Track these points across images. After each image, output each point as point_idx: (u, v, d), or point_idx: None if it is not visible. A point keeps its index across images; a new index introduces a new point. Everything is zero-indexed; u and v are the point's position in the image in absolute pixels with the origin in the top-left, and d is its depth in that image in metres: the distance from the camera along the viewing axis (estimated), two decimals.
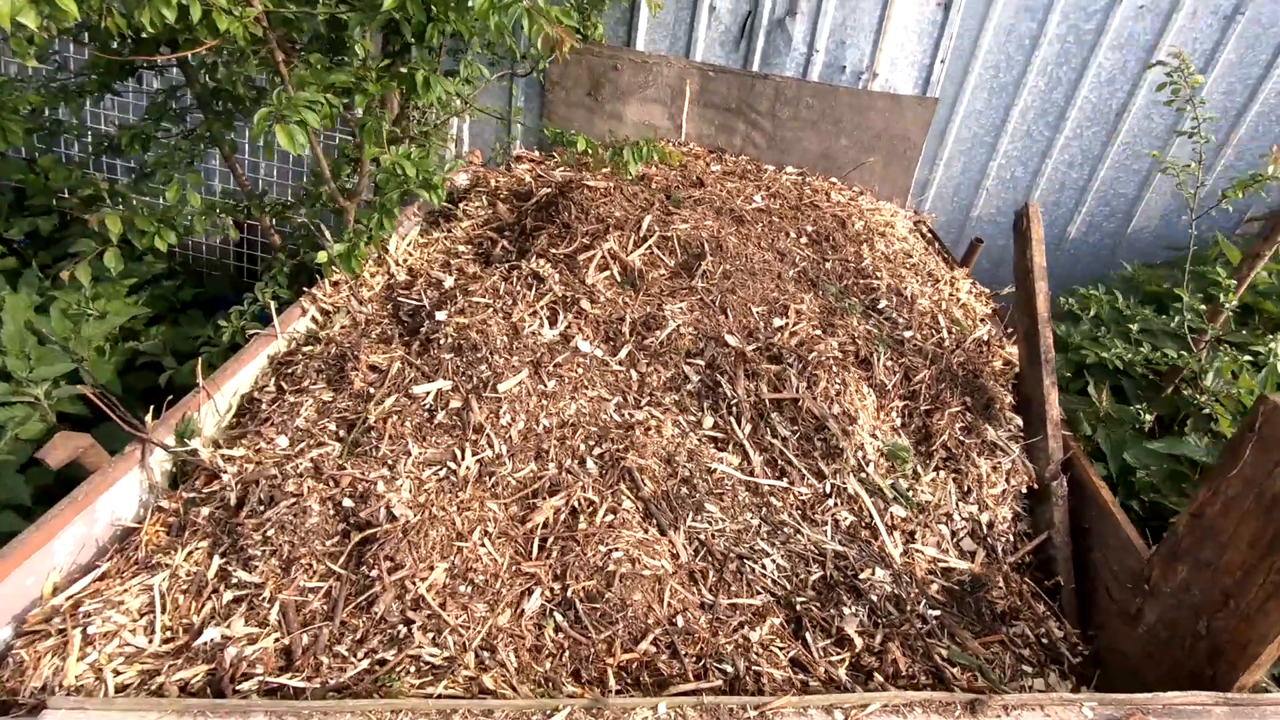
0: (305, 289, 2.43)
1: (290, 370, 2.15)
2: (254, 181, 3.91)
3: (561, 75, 3.67)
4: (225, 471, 1.78)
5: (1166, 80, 2.24)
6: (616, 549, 1.72)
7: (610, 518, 1.80)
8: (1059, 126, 3.95)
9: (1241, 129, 3.89)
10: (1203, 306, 2.24)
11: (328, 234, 2.43)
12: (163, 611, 1.54)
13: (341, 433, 1.94)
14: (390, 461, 1.83)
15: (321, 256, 2.32)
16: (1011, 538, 2.17)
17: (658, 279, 2.47)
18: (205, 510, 1.73)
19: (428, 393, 2.02)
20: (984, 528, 2.13)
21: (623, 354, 2.25)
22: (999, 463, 2.23)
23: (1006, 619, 1.97)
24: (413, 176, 2.11)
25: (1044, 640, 1.94)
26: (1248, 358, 2.26)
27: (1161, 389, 2.43)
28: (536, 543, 1.74)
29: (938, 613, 1.88)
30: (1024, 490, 2.23)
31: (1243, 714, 1.44)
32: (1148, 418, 2.21)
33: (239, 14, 1.59)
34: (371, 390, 2.02)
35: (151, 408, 1.84)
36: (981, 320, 2.81)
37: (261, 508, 1.70)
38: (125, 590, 1.57)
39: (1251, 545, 1.49)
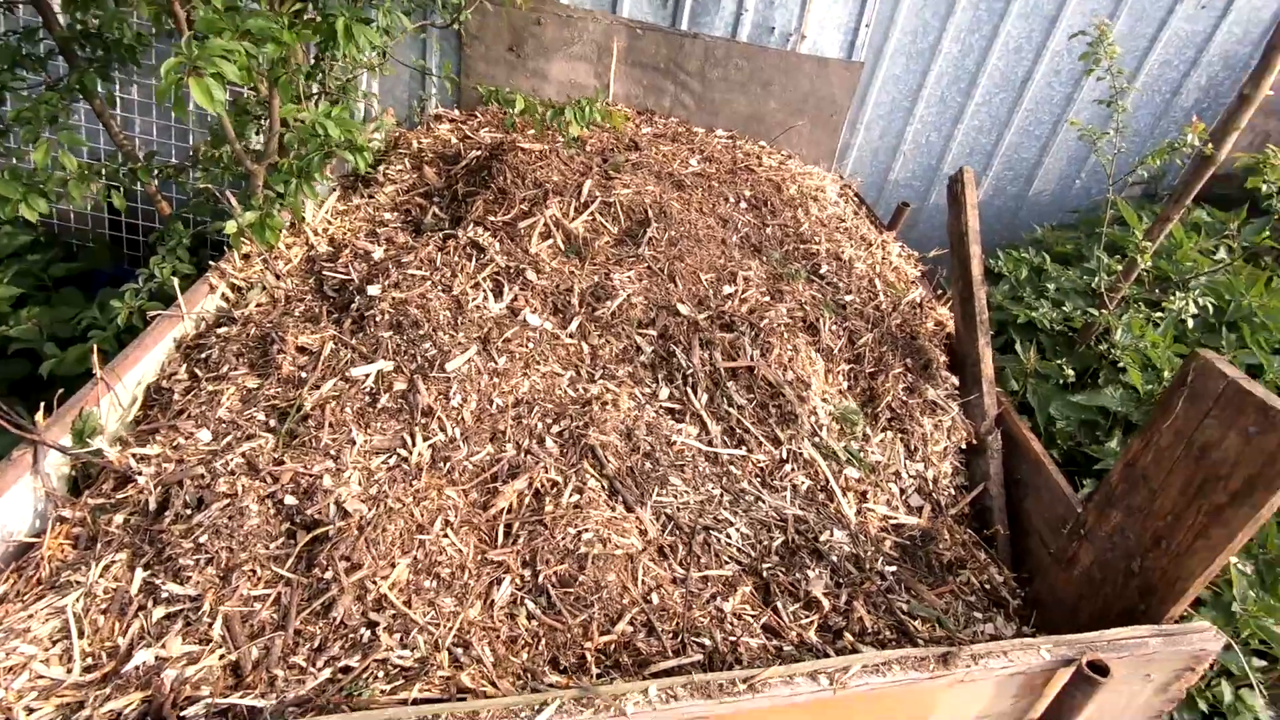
0: (211, 263, 2.18)
1: (203, 355, 1.93)
2: (131, 141, 3.47)
3: (480, 28, 3.44)
4: (140, 473, 1.58)
5: (1089, 50, 2.34)
6: (586, 530, 1.67)
7: (576, 498, 1.74)
8: (970, 93, 4.09)
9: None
10: (1119, 267, 2.39)
11: (235, 202, 2.18)
12: (80, 636, 1.36)
13: (273, 423, 1.76)
14: (333, 452, 1.68)
15: (229, 226, 2.08)
16: (953, 491, 2.28)
17: (603, 247, 2.38)
18: (119, 518, 1.54)
19: (368, 375, 1.86)
20: (929, 483, 2.22)
21: (573, 326, 2.16)
22: (940, 420, 2.32)
23: (953, 569, 2.06)
24: (335, 137, 1.91)
25: (987, 586, 2.05)
26: (1159, 314, 2.45)
27: (1076, 344, 2.60)
28: (502, 529, 1.66)
29: (894, 568, 1.95)
30: (963, 446, 2.33)
31: (1174, 642, 1.57)
32: (1069, 372, 2.35)
33: None
34: (303, 374, 1.85)
35: (42, 404, 1.60)
36: (912, 283, 2.89)
37: (189, 511, 1.52)
38: (30, 615, 1.38)
39: (1182, 491, 1.61)
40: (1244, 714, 2.07)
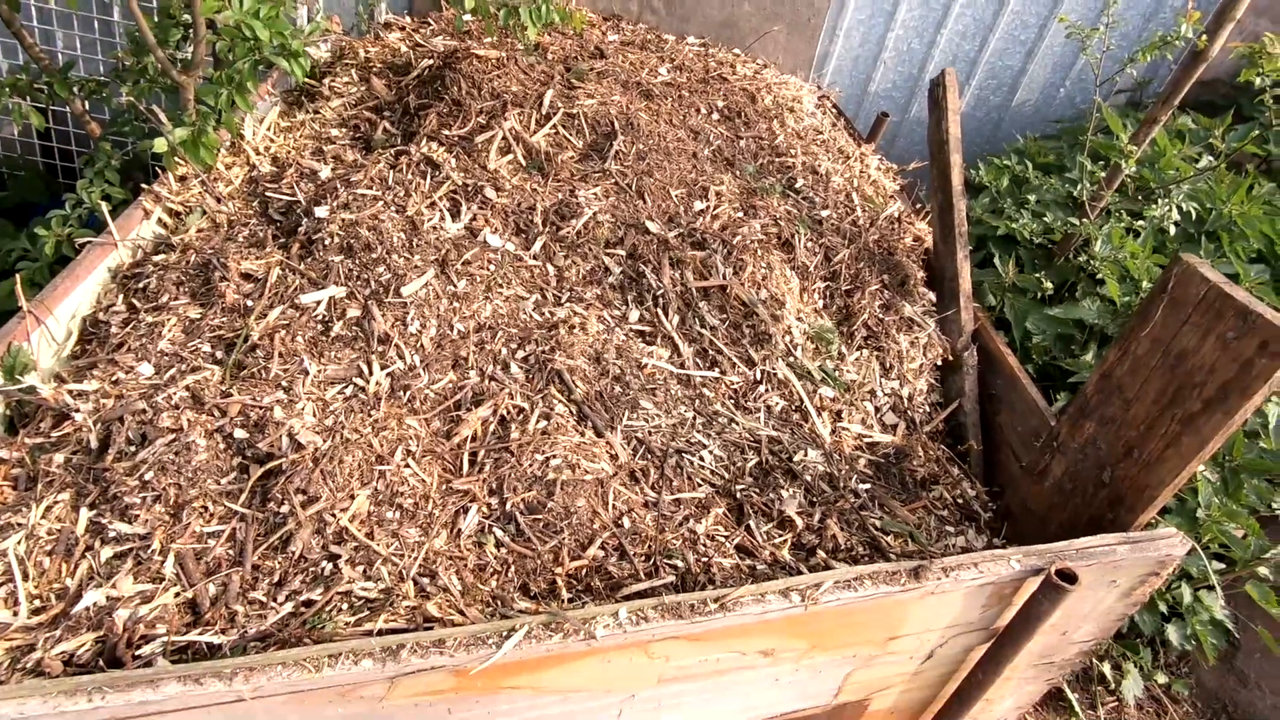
0: (144, 186, 2.02)
1: (141, 285, 1.81)
2: (49, 56, 3.19)
3: None
4: (77, 410, 1.49)
5: None
6: (554, 456, 1.62)
7: (543, 424, 1.68)
8: None
9: None
10: (1101, 174, 2.31)
11: (164, 118, 2.00)
12: (25, 579, 1.30)
13: (219, 354, 1.67)
14: (285, 383, 1.59)
15: (159, 145, 1.92)
16: (927, 408, 2.26)
17: (567, 162, 2.24)
18: (59, 457, 1.46)
19: (318, 301, 1.76)
20: (904, 401, 2.20)
21: (536, 247, 2.06)
22: (916, 338, 2.28)
23: (926, 484, 2.07)
24: (265, 40, 1.74)
25: (959, 501, 2.06)
26: (1141, 223, 2.39)
27: (1054, 256, 2.55)
28: (466, 458, 1.60)
29: (868, 486, 1.94)
30: (939, 363, 2.30)
31: (1141, 549, 1.58)
32: (1048, 285, 2.31)
33: None
34: (249, 303, 1.74)
35: None
36: (891, 197, 2.80)
37: (133, 448, 1.44)
38: None
39: (1155, 400, 1.60)
40: (1201, 614, 2.15)
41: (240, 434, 1.48)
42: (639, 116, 2.44)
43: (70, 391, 1.53)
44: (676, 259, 2.11)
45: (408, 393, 1.67)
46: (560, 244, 2.08)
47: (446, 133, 2.20)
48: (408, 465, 1.53)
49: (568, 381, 1.77)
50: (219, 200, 2.05)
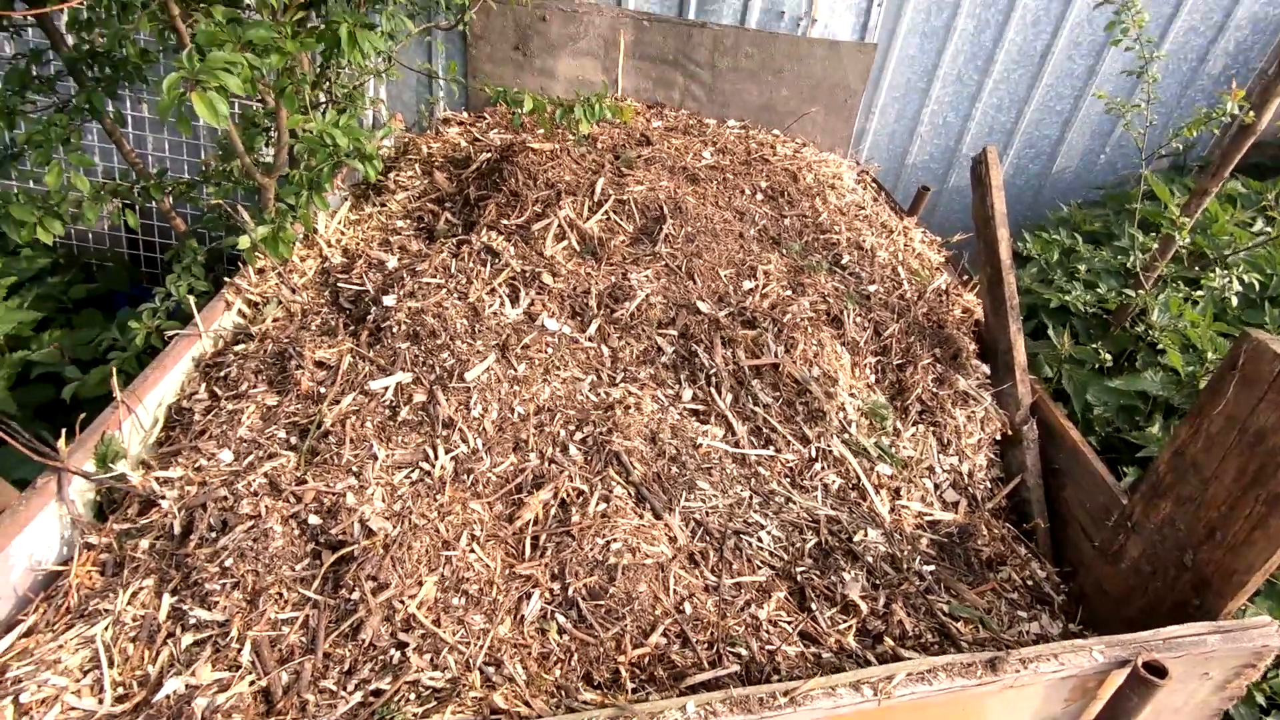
0: (226, 279, 2.16)
1: (222, 373, 1.91)
2: (142, 159, 3.48)
3: (485, 29, 3.39)
4: (164, 497, 1.56)
5: (1114, 19, 2.25)
6: (614, 539, 1.63)
7: (603, 506, 1.70)
8: (988, 70, 3.99)
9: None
10: (1154, 245, 2.30)
11: (246, 215, 2.16)
12: (110, 665, 1.34)
13: (294, 440, 1.74)
14: (356, 468, 1.65)
15: (243, 241, 2.06)
16: (988, 484, 2.21)
17: (619, 246, 2.33)
18: (144, 543, 1.52)
19: (386, 387, 1.84)
20: (964, 477, 2.15)
21: (592, 329, 2.12)
22: (972, 412, 2.25)
23: (993, 565, 2.00)
24: (344, 146, 1.88)
25: (1029, 583, 1.98)
26: (1199, 292, 2.35)
27: (1110, 326, 2.51)
28: (529, 541, 1.62)
29: (932, 568, 1.89)
30: (997, 437, 2.26)
31: (1234, 639, 1.50)
32: (1106, 356, 2.27)
33: None
34: (322, 390, 1.82)
35: (63, 430, 1.58)
36: (937, 269, 2.82)
37: (214, 534, 1.50)
38: (60, 646, 1.36)
39: (1236, 479, 1.54)
40: None
41: (314, 520, 1.53)
42: (686, 200, 2.54)
43: (157, 478, 1.61)
44: (728, 338, 2.14)
45: (471, 476, 1.71)
46: (614, 326, 2.14)
47: (505, 222, 2.32)
48: (472, 550, 1.56)
49: (625, 463, 1.79)
50: (294, 291, 2.18)
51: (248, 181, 2.25)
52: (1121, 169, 4.40)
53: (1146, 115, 2.33)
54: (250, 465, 1.63)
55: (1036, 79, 4.04)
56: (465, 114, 3.48)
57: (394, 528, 1.51)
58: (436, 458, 1.72)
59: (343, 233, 2.43)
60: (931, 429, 2.20)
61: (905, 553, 1.91)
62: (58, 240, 3.57)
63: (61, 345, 2.34)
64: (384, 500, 1.59)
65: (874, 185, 3.52)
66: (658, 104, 3.61)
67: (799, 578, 1.77)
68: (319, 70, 2.17)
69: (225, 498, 1.53)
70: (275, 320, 2.10)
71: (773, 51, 3.50)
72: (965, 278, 2.88)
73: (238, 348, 1.97)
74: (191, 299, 2.06)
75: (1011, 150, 4.31)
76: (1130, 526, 1.81)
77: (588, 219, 2.38)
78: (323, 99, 2.22)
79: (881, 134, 4.20)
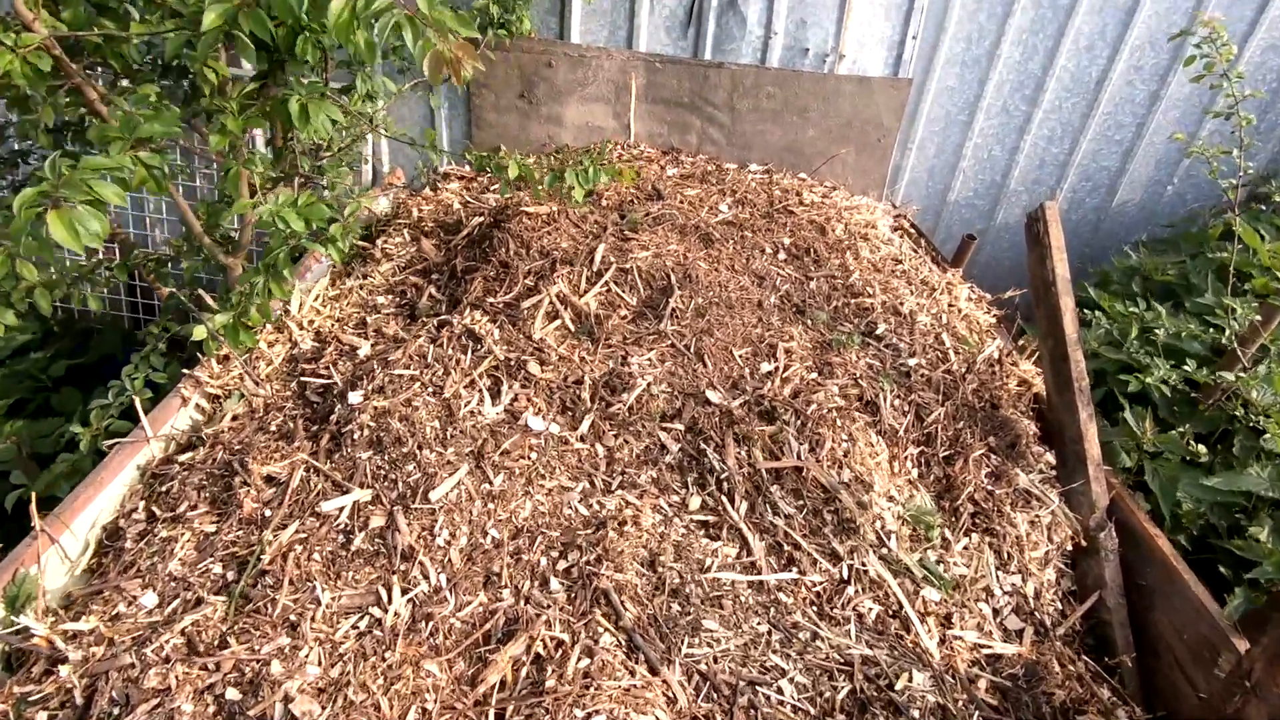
0: (185, 371, 1.96)
1: (165, 488, 1.69)
2: (137, 219, 3.37)
3: (488, 76, 3.20)
4: (66, 660, 1.33)
5: (1196, 53, 1.91)
6: (597, 710, 1.33)
7: (586, 663, 1.41)
8: (1037, 99, 3.64)
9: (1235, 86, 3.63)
10: (1255, 313, 1.94)
11: (209, 300, 1.96)
12: None
13: (231, 575, 1.50)
14: (293, 619, 1.40)
15: (198, 332, 1.86)
16: (1058, 605, 1.85)
17: (619, 325, 2.06)
18: (42, 716, 1.29)
19: (341, 508, 1.59)
20: (1029, 600, 1.80)
21: (584, 427, 1.85)
22: (1037, 516, 1.90)
23: (1070, 714, 1.65)
24: (300, 230, 1.66)
25: None
26: None
27: (1199, 404, 2.14)
28: (493, 715, 1.34)
29: None
30: (1068, 546, 1.90)
31: None
32: (1201, 450, 1.90)
33: (11, 43, 1.12)
34: (267, 512, 1.58)
35: None
36: (987, 333, 2.47)
37: (116, 710, 1.26)
38: None
39: None
40: None
41: (232, 694, 1.28)
42: (697, 266, 2.26)
43: (64, 632, 1.38)
44: (742, 434, 1.85)
45: (430, 624, 1.44)
46: (610, 421, 1.86)
47: (491, 300, 2.07)
48: None
49: (615, 604, 1.50)
50: (258, 383, 1.96)
51: (214, 260, 2.05)
52: (1193, 202, 3.98)
53: (1240, 163, 1.97)
54: (172, 615, 1.40)
55: (1092, 107, 3.67)
56: (469, 168, 3.28)
57: (323, 710, 1.25)
58: (390, 601, 1.45)
59: (318, 311, 2.22)
60: (988, 539, 1.86)
61: (960, 704, 1.57)
62: (58, 305, 3.47)
63: (20, 439, 2.17)
64: (321, 662, 1.33)
65: (912, 231, 3.19)
66: (673, 149, 3.36)
67: None
68: (284, 140, 1.97)
69: (132, 665, 1.29)
70: (234, 419, 1.88)
71: (797, 90, 3.22)
72: (1020, 341, 2.53)
73: (184, 457, 1.75)
74: (138, 401, 1.85)
75: (1066, 184, 3.93)
76: (1250, 688, 1.44)
77: (585, 293, 2.12)
78: (288, 172, 2.02)
79: (919, 170, 3.87)
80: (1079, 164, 3.87)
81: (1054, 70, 3.55)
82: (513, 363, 1.91)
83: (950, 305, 2.55)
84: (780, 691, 1.52)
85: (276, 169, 1.94)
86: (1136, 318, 2.22)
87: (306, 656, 1.33)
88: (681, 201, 2.71)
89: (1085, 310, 2.65)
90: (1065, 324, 1.98)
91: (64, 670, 1.31)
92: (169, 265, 2.27)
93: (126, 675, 1.28)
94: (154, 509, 1.65)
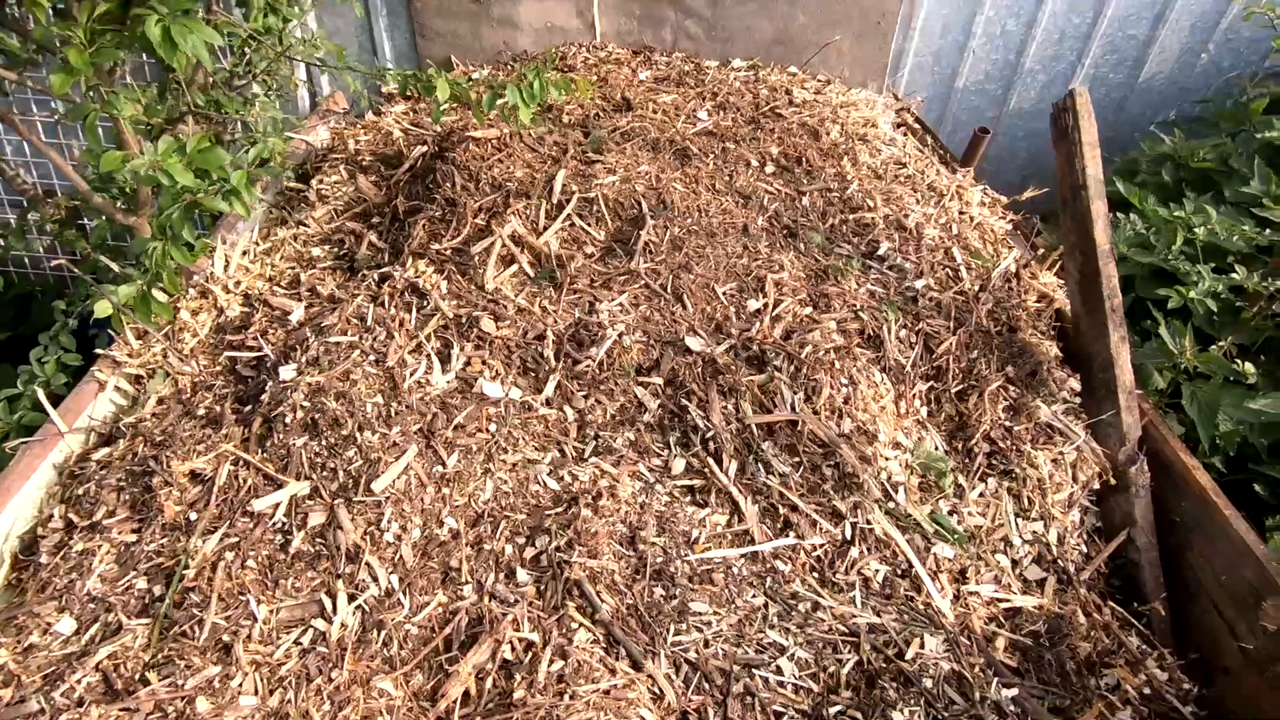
0: (98, 350, 1.74)
1: (83, 490, 1.51)
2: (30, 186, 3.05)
3: None
4: None
5: None
6: (573, 717, 1.19)
7: (559, 665, 1.26)
8: None
9: None
10: None
11: (114, 267, 1.71)
12: None
13: (157, 590, 1.34)
14: (225, 639, 1.24)
15: (102, 308, 1.62)
16: (1083, 549, 1.69)
17: (585, 266, 1.81)
18: None
19: (275, 505, 1.41)
20: (1051, 549, 1.64)
21: (549, 389, 1.64)
22: (1060, 454, 1.71)
23: (1096, 669, 1.51)
24: (191, 183, 1.39)
25: (1145, 691, 1.49)
26: None
27: (1239, 312, 1.90)
28: None
29: (1014, 691, 1.41)
30: (1095, 485, 1.72)
31: None
32: (1249, 370, 1.68)
33: None
34: (193, 516, 1.40)
35: None
36: (1003, 241, 2.21)
37: None
38: None
39: None
40: None
41: None
42: (673, 189, 1.98)
43: None
44: (728, 386, 1.63)
45: (382, 633, 1.28)
46: (578, 381, 1.64)
47: (437, 247, 1.81)
48: None
49: (590, 595, 1.34)
50: (183, 358, 1.75)
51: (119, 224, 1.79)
52: (1229, 70, 3.56)
53: None
54: (90, 644, 1.24)
55: None
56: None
57: None
58: (335, 610, 1.29)
59: (247, 269, 1.96)
60: (1006, 483, 1.68)
61: (977, 669, 1.44)
62: None
63: None
64: (258, 691, 1.18)
65: (917, 127, 2.86)
66: (645, 48, 2.97)
67: None
68: (168, 72, 1.66)
69: (40, 712, 1.14)
70: (160, 403, 1.68)
71: None
72: (1039, 250, 2.26)
73: (101, 453, 1.56)
74: (41, 394, 1.64)
75: (1088, 58, 3.51)
76: None
77: (543, 230, 1.85)
78: (179, 109, 1.71)
79: (924, 55, 3.46)
80: (1104, 34, 3.44)
81: None
82: (464, 320, 1.67)
83: (961, 213, 2.27)
84: (779, 671, 1.38)
85: (164, 108, 1.64)
86: (1181, 222, 1.94)
87: (240, 686, 1.18)
88: (654, 111, 2.38)
89: (1112, 210, 2.37)
90: (1097, 233, 1.72)
91: None
92: (68, 228, 2.00)
93: None
94: (71, 516, 1.47)
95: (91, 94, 1.37)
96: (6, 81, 1.51)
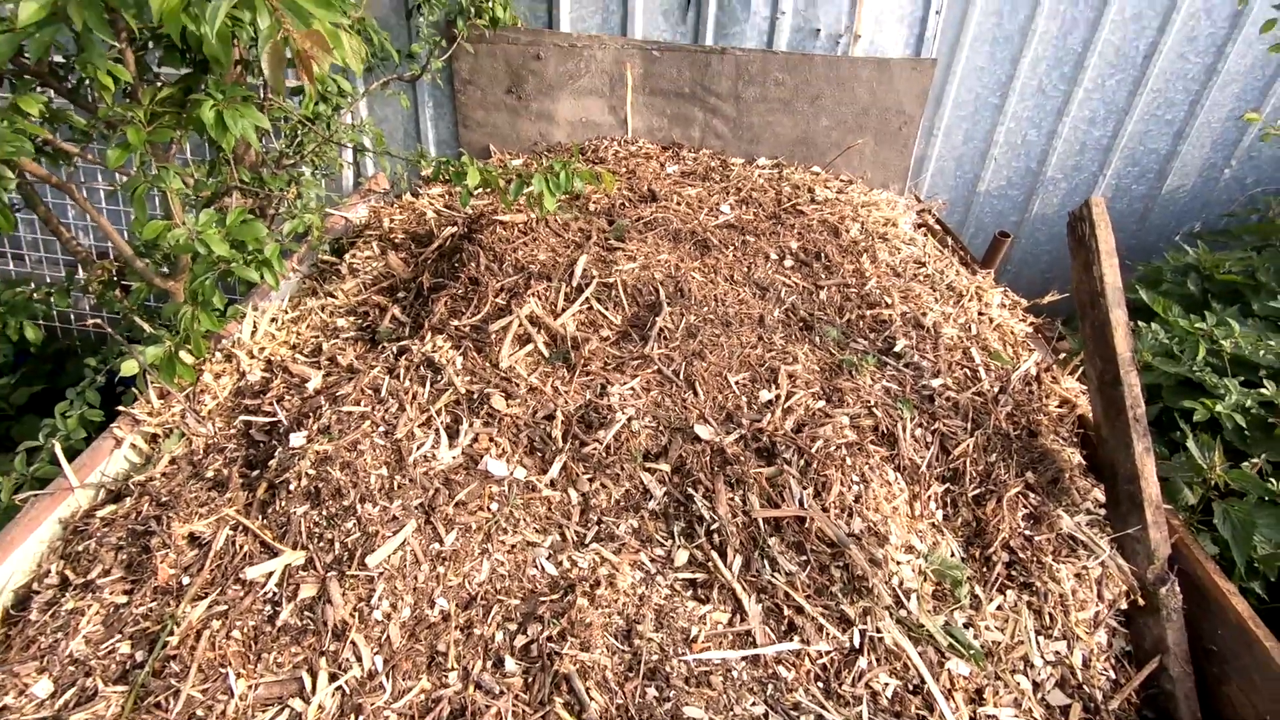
0: (121, 408, 1.78)
1: (83, 547, 1.51)
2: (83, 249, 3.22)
3: (473, 71, 2.98)
4: None
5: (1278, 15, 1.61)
6: None
7: None
8: (1076, 78, 3.30)
9: None
10: None
11: (147, 328, 1.77)
12: None
13: (140, 656, 1.31)
14: (199, 715, 1.20)
15: (128, 367, 1.67)
16: (1111, 674, 1.58)
17: (599, 349, 1.83)
18: None
19: (269, 574, 1.39)
20: (1075, 672, 1.53)
21: (555, 470, 1.62)
22: (1084, 568, 1.63)
23: None
24: (226, 253, 1.46)
25: None
26: None
27: (1272, 429, 1.84)
28: None
29: None
30: (1123, 604, 1.63)
31: None
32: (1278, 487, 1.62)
33: None
34: (186, 580, 1.39)
35: None
36: (1023, 344, 2.19)
37: None
38: None
39: None
40: None
41: None
42: (690, 278, 2.01)
43: None
44: (736, 477, 1.60)
45: (360, 717, 1.23)
46: (585, 463, 1.63)
47: (456, 323, 1.85)
48: None
49: (579, 692, 1.28)
50: (200, 420, 1.77)
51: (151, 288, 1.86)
52: (1252, 186, 3.60)
53: None
54: (62, 711, 1.20)
55: (1139, 85, 3.32)
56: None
57: None
58: (314, 690, 1.25)
59: (274, 336, 2.02)
60: (1026, 596, 1.59)
61: None
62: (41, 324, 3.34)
63: None
64: None
65: (938, 228, 2.90)
66: (674, 144, 3.11)
67: None
68: (219, 151, 1.78)
69: None
70: (171, 462, 1.69)
71: (808, 76, 2.94)
72: (1060, 354, 2.24)
73: (106, 510, 1.57)
74: (58, 448, 1.67)
75: (1109, 169, 3.58)
76: None
77: (561, 312, 1.89)
78: (226, 184, 1.81)
79: (947, 159, 3.56)
80: (1124, 148, 3.52)
81: (1096, 44, 3.21)
82: (475, 396, 1.69)
83: (980, 314, 2.27)
84: None
85: (213, 183, 1.74)
86: (1204, 335, 1.91)
87: None
88: (679, 203, 2.46)
89: (1135, 318, 2.35)
90: (1116, 341, 1.70)
91: None
92: (117, 288, 2.09)
93: None
94: (68, 572, 1.46)
95: (143, 168, 1.46)
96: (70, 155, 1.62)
